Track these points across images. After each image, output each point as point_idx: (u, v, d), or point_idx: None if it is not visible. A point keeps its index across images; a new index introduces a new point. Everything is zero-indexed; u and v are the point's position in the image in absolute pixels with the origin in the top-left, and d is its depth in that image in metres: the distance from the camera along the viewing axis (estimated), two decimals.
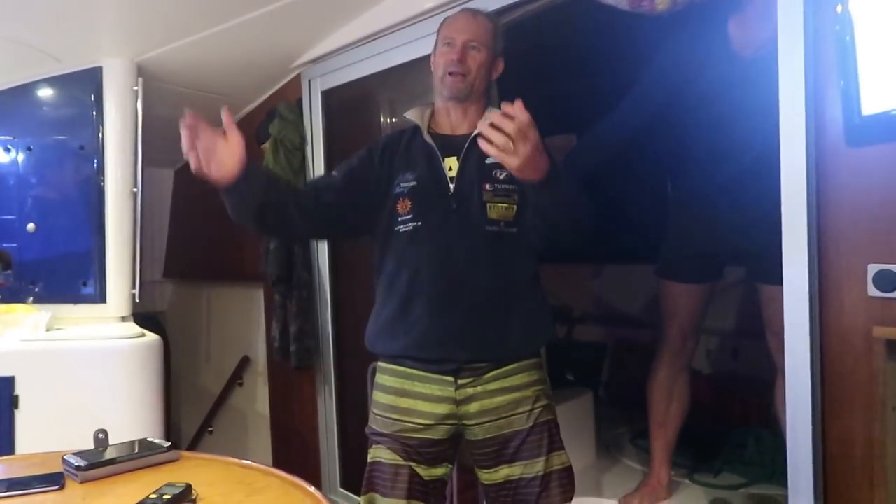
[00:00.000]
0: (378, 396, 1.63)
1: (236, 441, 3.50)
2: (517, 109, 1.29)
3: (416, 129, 1.65)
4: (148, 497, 1.09)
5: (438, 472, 1.58)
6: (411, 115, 1.65)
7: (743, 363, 3.20)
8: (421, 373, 1.56)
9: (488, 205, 1.54)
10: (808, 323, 1.42)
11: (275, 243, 2.84)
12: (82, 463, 1.23)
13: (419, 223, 1.55)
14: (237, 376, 3.44)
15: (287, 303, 2.84)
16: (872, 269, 1.34)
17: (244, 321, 3.40)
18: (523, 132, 1.28)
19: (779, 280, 1.47)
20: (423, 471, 1.55)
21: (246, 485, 1.20)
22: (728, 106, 1.92)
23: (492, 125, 1.29)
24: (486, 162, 1.56)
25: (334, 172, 1.69)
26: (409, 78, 2.64)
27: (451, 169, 1.59)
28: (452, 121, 1.65)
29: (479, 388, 1.54)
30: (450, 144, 1.61)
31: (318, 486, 2.90)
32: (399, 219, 1.57)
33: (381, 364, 1.65)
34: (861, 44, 0.90)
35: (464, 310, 1.53)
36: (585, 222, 1.53)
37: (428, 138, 1.61)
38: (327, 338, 2.81)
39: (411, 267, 1.55)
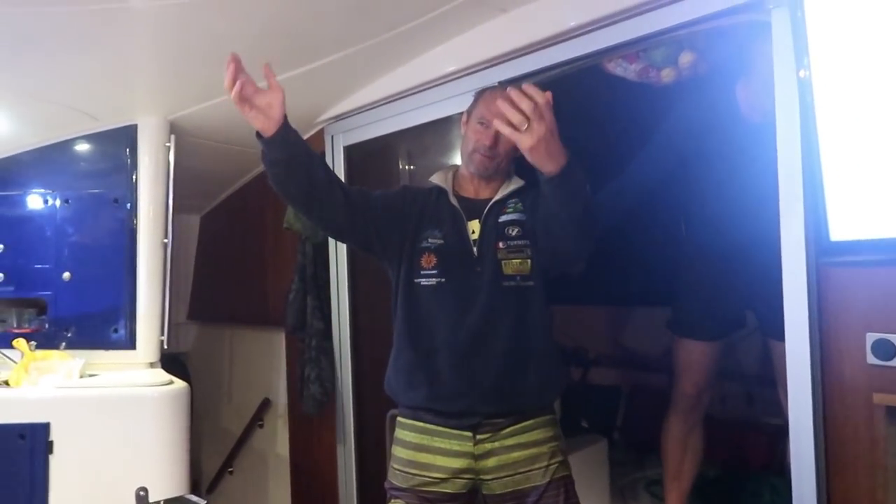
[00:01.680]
0: (398, 451, 1.69)
1: (256, 482, 3.56)
2: (534, 90, 1.31)
3: (441, 190, 1.74)
4: None
5: None
6: (437, 179, 1.76)
7: (758, 409, 3.21)
8: (440, 428, 1.63)
9: (503, 262, 1.64)
10: (810, 388, 1.48)
11: (296, 286, 2.96)
12: None
13: (443, 280, 1.64)
14: (258, 418, 3.51)
15: (304, 350, 2.95)
16: (871, 337, 1.40)
17: (265, 364, 3.49)
18: (539, 112, 1.30)
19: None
20: None
21: None
22: (737, 168, 2.00)
23: (508, 101, 1.30)
24: (500, 220, 1.67)
25: (372, 193, 1.78)
26: (427, 132, 2.76)
27: (473, 232, 1.68)
28: (476, 186, 1.75)
29: (496, 444, 1.61)
30: (473, 208, 1.70)
31: None
32: (422, 272, 1.65)
33: (400, 420, 1.72)
34: (828, 149, 0.98)
35: (484, 362, 1.60)
36: (595, 229, 1.55)
37: (454, 201, 1.70)
38: (347, 384, 2.88)
39: (433, 319, 1.63)
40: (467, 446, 1.60)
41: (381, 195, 1.75)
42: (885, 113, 0.92)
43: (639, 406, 3.65)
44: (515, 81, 2.17)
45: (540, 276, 1.66)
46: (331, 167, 2.83)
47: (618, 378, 3.82)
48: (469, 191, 1.75)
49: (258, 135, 1.53)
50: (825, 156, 0.97)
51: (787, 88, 1.42)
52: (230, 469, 3.65)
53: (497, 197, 1.70)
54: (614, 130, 2.77)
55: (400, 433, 1.71)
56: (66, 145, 2.73)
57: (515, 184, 1.73)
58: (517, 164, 1.76)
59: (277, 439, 3.43)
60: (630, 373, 3.77)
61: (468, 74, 2.28)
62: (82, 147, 2.75)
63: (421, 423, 1.65)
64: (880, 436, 1.39)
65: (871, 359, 1.40)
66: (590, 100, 2.42)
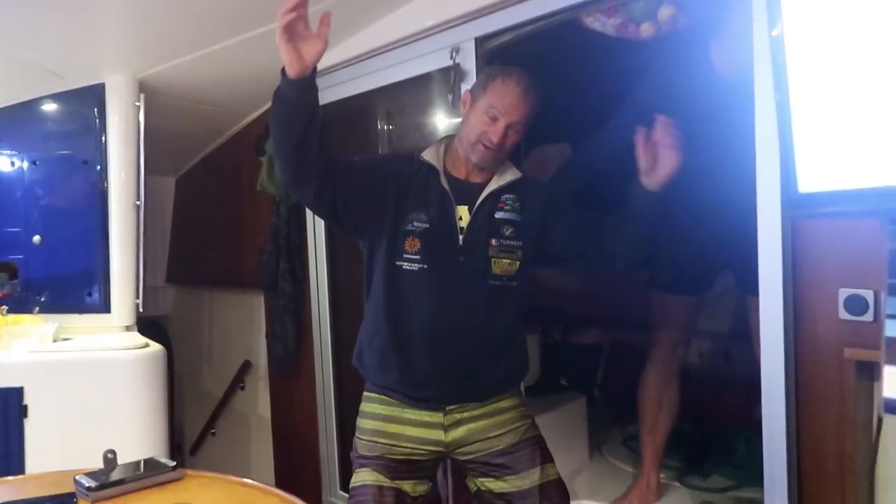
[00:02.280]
0: (365, 423, 1.68)
1: (238, 443, 3.59)
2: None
3: (432, 168, 1.65)
4: None
5: (422, 488, 1.65)
6: (428, 157, 1.65)
7: (735, 366, 3.26)
8: (410, 403, 1.64)
9: (493, 260, 1.61)
10: (782, 343, 1.49)
11: (269, 248, 2.97)
12: (93, 484, 1.31)
13: (425, 266, 1.59)
14: (239, 380, 3.52)
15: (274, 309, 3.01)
16: (843, 293, 1.41)
17: (245, 326, 3.48)
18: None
19: None
20: (409, 488, 1.62)
21: None
22: (713, 126, 1.98)
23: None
24: (496, 216, 1.63)
25: (355, 159, 1.68)
26: (405, 90, 2.70)
27: (461, 218, 1.62)
28: (468, 168, 1.67)
29: (465, 414, 1.63)
30: (463, 191, 1.64)
31: (318, 487, 2.99)
32: (405, 255, 1.59)
33: (367, 393, 1.71)
34: (799, 104, 0.96)
35: (457, 355, 1.60)
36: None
37: (445, 184, 1.62)
38: (326, 344, 2.88)
39: (411, 306, 1.60)
40: (437, 417, 1.62)
41: (362, 167, 1.64)
42: (854, 68, 0.91)
43: (618, 364, 3.69)
44: (493, 36, 2.13)
45: (523, 276, 1.67)
46: None
47: (598, 337, 3.86)
48: (461, 171, 1.67)
49: (283, 70, 1.41)
50: (795, 110, 0.95)
51: (765, 44, 1.40)
52: (212, 430, 3.67)
53: (493, 187, 1.64)
54: (592, 86, 2.73)
55: (367, 406, 1.70)
56: (31, 105, 2.66)
57: (512, 174, 1.67)
58: None
59: (259, 400, 3.44)
60: (610, 331, 3.80)
61: (446, 29, 2.22)
62: (49, 107, 2.68)
63: (389, 399, 1.66)
64: (850, 389, 1.40)
65: (844, 314, 1.41)
66: (568, 55, 2.38)
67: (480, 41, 2.13)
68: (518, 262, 1.63)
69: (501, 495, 1.63)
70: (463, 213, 1.62)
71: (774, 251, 1.48)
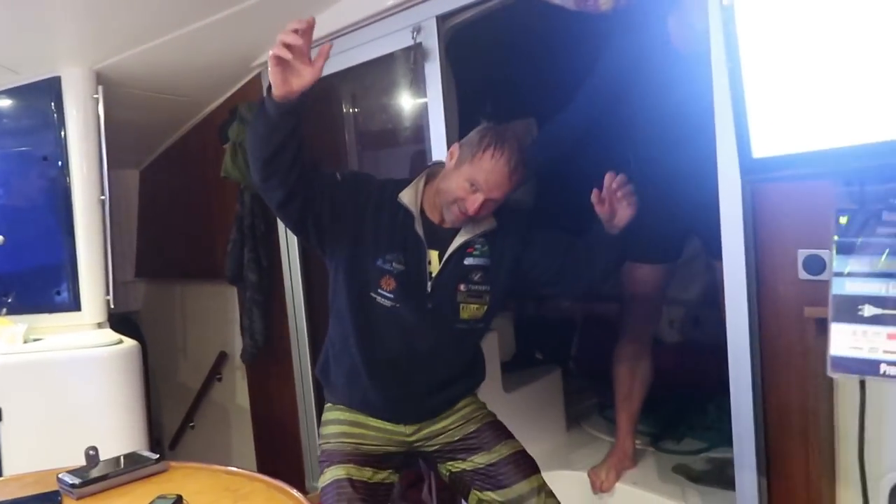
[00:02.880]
0: (328, 429, 1.73)
1: (218, 435, 3.58)
2: (620, 178, 1.62)
3: (408, 213, 1.63)
4: None
5: (393, 477, 1.72)
6: (406, 200, 1.65)
7: (704, 332, 3.34)
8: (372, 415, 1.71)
9: (461, 305, 1.65)
10: (746, 303, 1.54)
11: (234, 237, 2.95)
12: (77, 481, 1.31)
13: (397, 305, 1.62)
14: (216, 372, 3.50)
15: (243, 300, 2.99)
16: (802, 254, 1.46)
17: (219, 317, 3.45)
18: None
19: None
20: (380, 476, 1.68)
21: (232, 491, 1.29)
22: (671, 98, 2.01)
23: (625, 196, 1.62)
24: (465, 263, 1.65)
25: (338, 175, 1.66)
26: (369, 72, 2.69)
27: (430, 263, 1.64)
28: (443, 217, 1.66)
29: (425, 421, 1.72)
30: (436, 236, 1.65)
31: (300, 474, 3.00)
32: (380, 290, 1.62)
33: (331, 405, 1.76)
34: (751, 73, 0.99)
35: (421, 387, 1.69)
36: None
37: (420, 231, 1.63)
38: (303, 333, 2.88)
39: (381, 337, 1.64)
40: (400, 427, 1.71)
41: (340, 188, 1.62)
42: (802, 32, 0.94)
43: (592, 336, 3.75)
44: (455, 14, 2.13)
45: (490, 318, 1.73)
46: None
47: (570, 310, 3.91)
48: (436, 215, 1.67)
49: (268, 90, 1.39)
50: (748, 77, 0.99)
51: (717, 13, 1.43)
52: (191, 424, 3.65)
53: (466, 237, 1.65)
54: (555, 61, 2.75)
55: (330, 414, 1.75)
56: None
57: (487, 223, 1.68)
58: None
59: (237, 392, 3.43)
60: (583, 304, 3.86)
61: (407, 8, 2.22)
62: (4, 102, 2.61)
63: (354, 410, 1.72)
64: (811, 347, 1.46)
65: (803, 274, 1.46)
66: (529, 31, 2.39)
67: (442, 19, 2.13)
68: (486, 307, 1.69)
69: (475, 471, 1.70)
70: (433, 258, 1.65)
71: (735, 215, 1.53)
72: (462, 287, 1.65)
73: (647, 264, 2.36)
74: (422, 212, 1.66)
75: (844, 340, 1.04)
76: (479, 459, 1.70)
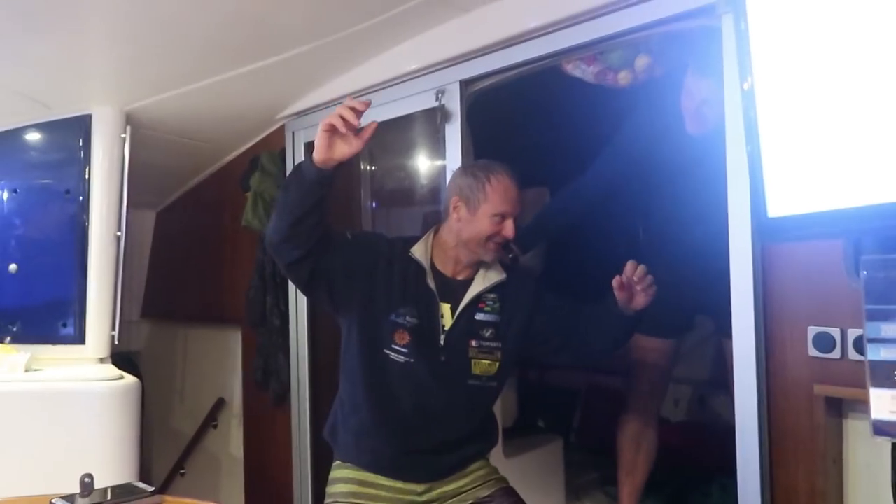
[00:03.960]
0: (336, 488, 1.69)
1: (209, 484, 3.49)
2: (640, 268, 1.62)
3: (420, 267, 1.67)
4: None
5: None
6: (417, 254, 1.68)
7: (710, 412, 3.29)
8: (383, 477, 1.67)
9: (473, 361, 1.66)
10: (755, 379, 1.53)
11: (255, 283, 2.96)
12: None
13: (411, 360, 1.62)
14: (212, 418, 3.45)
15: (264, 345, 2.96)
16: (812, 331, 1.45)
17: (220, 363, 3.43)
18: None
19: None
20: None
21: None
22: (688, 176, 2.05)
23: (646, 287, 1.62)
24: (476, 318, 1.67)
25: (348, 234, 1.71)
26: (388, 131, 2.76)
27: (443, 316, 1.66)
28: (456, 266, 1.70)
29: (437, 481, 1.68)
30: (446, 289, 1.68)
31: None
32: (393, 346, 1.63)
33: (339, 463, 1.73)
34: (768, 137, 1.03)
35: (433, 445, 1.66)
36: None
37: (431, 284, 1.66)
38: (304, 383, 2.85)
39: (393, 393, 1.63)
40: (411, 485, 1.66)
41: (352, 246, 1.66)
42: (816, 94, 0.98)
43: (595, 408, 3.70)
44: (476, 81, 2.21)
45: (503, 377, 1.72)
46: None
47: (575, 380, 3.87)
48: (448, 268, 1.70)
49: (309, 155, 1.48)
50: (764, 138, 1.02)
51: (736, 91, 1.47)
52: (182, 471, 3.57)
53: (477, 289, 1.68)
54: (572, 131, 2.82)
55: (339, 473, 1.71)
56: (15, 133, 2.65)
57: (496, 274, 1.71)
58: None
59: (231, 440, 3.37)
60: (587, 375, 3.82)
61: (429, 73, 2.30)
62: (33, 136, 2.68)
63: (363, 470, 1.68)
64: (820, 424, 1.44)
65: (813, 351, 1.45)
66: (548, 101, 2.46)
67: (465, 84, 2.20)
68: (497, 363, 1.68)
69: None
70: (445, 311, 1.67)
71: (746, 289, 1.54)
72: (473, 343, 1.65)
73: (655, 338, 2.35)
74: (432, 266, 1.68)
75: (884, 405, 1.05)
76: None
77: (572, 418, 3.73)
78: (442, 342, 1.64)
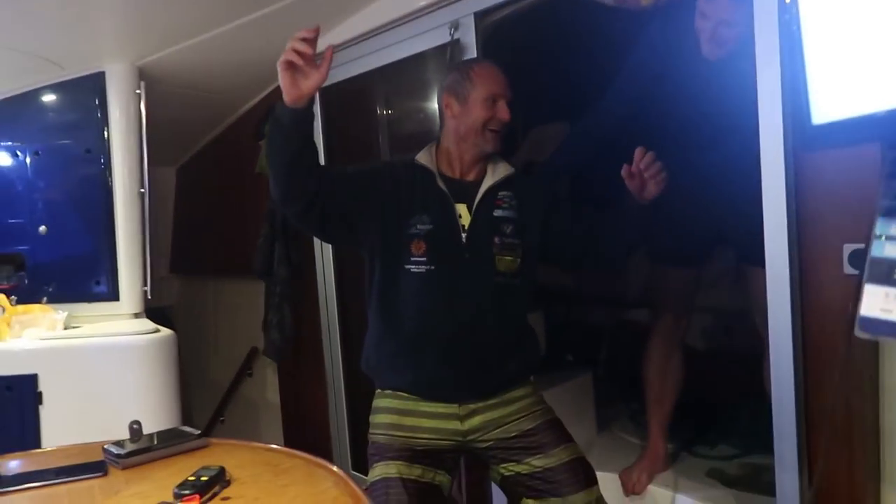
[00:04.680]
0: (378, 418, 1.69)
1: (248, 430, 3.61)
2: (649, 155, 1.63)
3: (425, 169, 1.67)
4: (187, 479, 1.19)
5: (443, 479, 1.64)
6: (423, 160, 1.68)
7: (736, 340, 3.29)
8: (423, 398, 1.65)
9: (497, 257, 1.64)
10: (789, 301, 1.51)
11: (264, 232, 2.97)
12: (122, 451, 1.33)
13: (432, 267, 1.60)
14: (247, 367, 3.54)
15: (270, 296, 2.99)
16: (848, 248, 1.43)
17: (251, 313, 3.48)
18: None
19: (763, 262, 1.57)
20: (431, 476, 1.61)
21: (273, 466, 1.30)
22: (710, 96, 1.99)
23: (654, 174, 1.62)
24: (495, 214, 1.66)
25: (347, 169, 1.70)
26: (404, 74, 2.72)
27: (461, 216, 1.65)
28: (463, 166, 1.69)
29: (480, 404, 1.65)
30: (458, 190, 1.66)
31: None
32: (412, 258, 1.61)
33: (380, 391, 1.72)
34: (810, 43, 0.98)
35: (468, 353, 1.62)
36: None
37: (441, 185, 1.65)
38: (334, 329, 2.90)
39: (421, 308, 1.62)
40: (453, 408, 1.64)
41: (356, 178, 1.65)
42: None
43: (621, 342, 3.71)
44: (491, 12, 2.14)
45: (526, 275, 1.69)
46: None
47: (601, 316, 3.88)
48: (454, 170, 1.70)
49: (275, 112, 1.46)
50: (807, 41, 0.97)
51: None
52: (221, 419, 3.69)
53: (489, 183, 1.66)
54: (591, 62, 2.74)
55: (381, 402, 1.70)
56: (32, 96, 2.66)
57: (504, 168, 1.70)
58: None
59: (267, 387, 3.46)
60: (612, 309, 3.83)
61: (442, 7, 2.24)
62: (49, 97, 2.68)
63: (404, 394, 1.67)
64: (855, 343, 1.43)
65: (848, 269, 1.43)
66: (566, 30, 2.39)
67: (480, 16, 2.15)
68: (519, 260, 1.66)
69: (531, 475, 1.62)
70: (462, 212, 1.65)
71: (779, 210, 1.50)
72: (497, 240, 1.64)
73: (675, 267, 2.34)
74: (440, 172, 1.68)
75: (876, 302, 1.02)
76: (537, 462, 1.61)
77: (600, 352, 3.76)
78: (464, 240, 1.63)
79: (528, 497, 1.62)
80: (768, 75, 1.47)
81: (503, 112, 1.64)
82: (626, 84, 2.17)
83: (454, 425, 1.63)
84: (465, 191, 1.66)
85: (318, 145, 1.58)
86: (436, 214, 1.62)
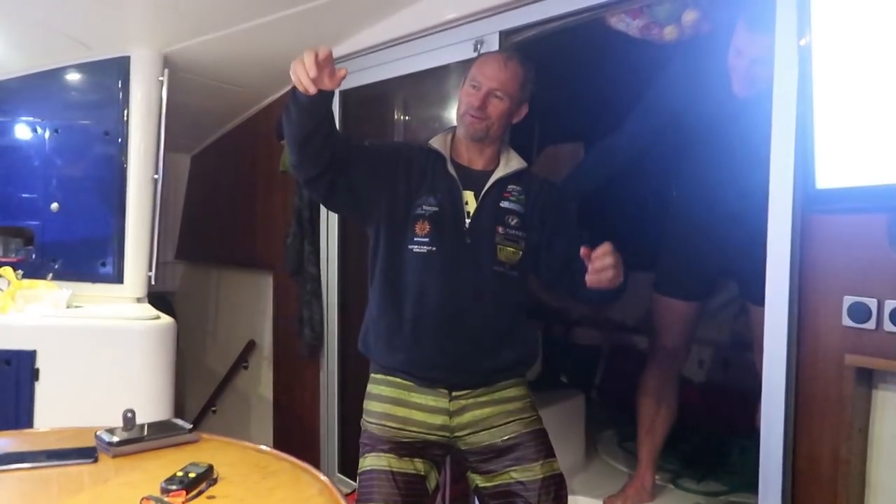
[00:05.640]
0: (372, 406, 1.70)
1: (239, 422, 3.62)
2: (606, 249, 1.47)
3: (439, 155, 1.70)
4: (175, 475, 1.20)
5: (432, 472, 1.68)
6: (436, 144, 1.71)
7: (733, 375, 3.29)
8: (416, 385, 1.66)
9: (499, 247, 1.65)
10: (785, 346, 1.52)
11: (293, 230, 2.97)
12: (114, 439, 1.35)
13: (434, 248, 1.62)
14: (243, 359, 3.55)
15: (301, 294, 2.98)
16: (847, 300, 1.44)
17: (252, 306, 3.51)
18: (618, 262, 1.48)
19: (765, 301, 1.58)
20: (420, 467, 1.65)
21: (261, 467, 1.31)
22: (726, 137, 2.01)
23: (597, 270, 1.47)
24: (501, 205, 1.67)
25: (367, 143, 1.74)
26: (424, 82, 2.74)
27: (467, 203, 1.67)
28: (470, 155, 1.72)
29: (470, 401, 1.65)
30: (468, 178, 1.69)
31: (316, 469, 3.01)
32: (415, 238, 1.63)
33: (375, 376, 1.73)
34: (821, 106, 0.99)
35: (463, 340, 1.63)
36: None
37: (451, 170, 1.67)
38: (333, 328, 2.91)
39: (421, 288, 1.63)
40: (443, 402, 1.64)
41: (372, 153, 1.69)
42: (878, 65, 0.94)
43: (617, 366, 3.72)
44: (516, 32, 2.16)
45: (524, 268, 1.71)
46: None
47: (599, 338, 3.89)
48: (464, 158, 1.72)
49: (295, 89, 1.47)
50: (818, 109, 0.99)
51: (788, 50, 1.43)
52: (213, 408, 3.71)
53: (499, 174, 1.69)
54: (612, 86, 2.76)
55: (374, 388, 1.72)
56: (56, 73, 2.68)
57: (517, 163, 1.72)
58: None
59: (261, 381, 3.47)
60: (611, 334, 3.83)
61: (468, 22, 2.26)
62: (73, 77, 2.70)
63: (397, 379, 1.68)
64: (848, 395, 1.44)
65: (847, 321, 1.44)
66: (590, 55, 2.40)
67: (505, 35, 2.16)
68: (521, 252, 1.67)
69: (502, 487, 1.64)
70: (469, 199, 1.67)
71: (783, 255, 1.51)
72: (500, 230, 1.66)
73: (677, 300, 2.35)
74: (452, 158, 1.71)
75: None
76: (515, 475, 1.64)
77: (595, 375, 3.76)
78: (467, 226, 1.65)
79: None
80: (783, 125, 1.47)
81: (476, 97, 1.63)
82: (646, 115, 2.18)
83: (443, 420, 1.64)
84: (474, 179, 1.69)
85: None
86: (442, 198, 1.65)
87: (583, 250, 1.47)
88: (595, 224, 3.40)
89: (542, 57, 2.52)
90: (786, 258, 1.51)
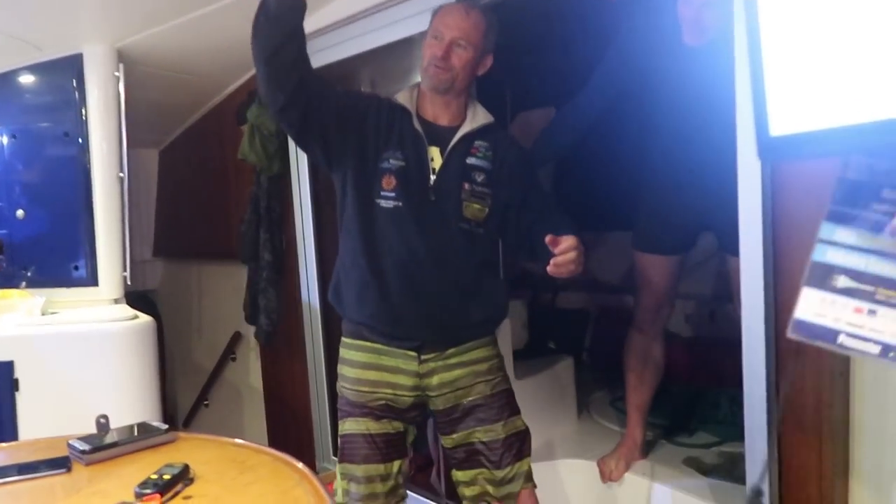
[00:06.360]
0: (345, 371, 1.73)
1: (231, 414, 3.62)
2: (570, 244, 1.44)
3: (404, 109, 1.68)
4: (149, 478, 1.18)
5: (408, 426, 1.73)
6: (402, 99, 1.70)
7: (719, 327, 3.31)
8: (386, 347, 1.67)
9: (464, 203, 1.64)
10: (763, 296, 1.51)
11: (248, 217, 2.97)
12: (87, 447, 1.33)
13: (400, 204, 1.62)
14: (230, 351, 3.54)
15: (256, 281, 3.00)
16: None
17: (235, 297, 3.47)
18: (581, 256, 1.47)
19: None
20: (397, 426, 1.70)
21: (239, 463, 1.30)
22: (687, 91, 1.98)
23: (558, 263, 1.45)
24: (468, 162, 1.66)
25: (339, 89, 1.72)
26: (390, 58, 2.68)
27: (433, 159, 1.66)
28: (435, 109, 1.70)
29: (439, 363, 1.68)
30: (433, 133, 1.67)
31: (311, 454, 3.03)
32: (382, 192, 1.63)
33: (346, 340, 1.75)
34: (769, 49, 0.97)
35: (429, 297, 1.64)
36: None
37: (417, 125, 1.66)
38: (315, 313, 2.89)
39: (388, 242, 1.63)
40: (412, 365, 1.67)
41: (343, 99, 1.66)
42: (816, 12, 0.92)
43: (606, 328, 3.73)
44: None
45: (491, 225, 1.70)
46: None
47: (585, 301, 3.90)
48: (429, 113, 1.71)
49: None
50: (766, 58, 0.97)
51: None
52: (205, 402, 3.70)
53: (465, 130, 1.67)
54: (579, 49, 2.72)
55: (346, 353, 1.74)
56: (8, 77, 2.61)
57: (483, 117, 1.71)
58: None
59: (250, 371, 3.46)
60: (598, 296, 3.84)
61: None
62: (27, 79, 2.63)
63: (368, 343, 1.69)
64: None
65: None
66: (554, 16, 2.36)
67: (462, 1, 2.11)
68: (487, 210, 1.67)
69: (466, 446, 1.71)
70: (435, 155, 1.66)
71: (754, 203, 1.50)
72: (466, 186, 1.65)
73: (658, 255, 2.34)
74: (418, 114, 1.69)
75: (811, 306, 1.03)
76: (479, 435, 1.70)
77: (583, 338, 3.77)
78: (432, 182, 1.64)
79: (458, 469, 1.73)
80: (745, 73, 1.45)
81: (439, 47, 1.62)
82: (608, 74, 2.15)
83: (413, 381, 1.68)
84: (440, 135, 1.68)
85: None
86: (409, 152, 1.64)
87: (547, 238, 1.44)
88: (572, 187, 3.39)
89: (506, 24, 2.48)
90: (758, 207, 1.50)
